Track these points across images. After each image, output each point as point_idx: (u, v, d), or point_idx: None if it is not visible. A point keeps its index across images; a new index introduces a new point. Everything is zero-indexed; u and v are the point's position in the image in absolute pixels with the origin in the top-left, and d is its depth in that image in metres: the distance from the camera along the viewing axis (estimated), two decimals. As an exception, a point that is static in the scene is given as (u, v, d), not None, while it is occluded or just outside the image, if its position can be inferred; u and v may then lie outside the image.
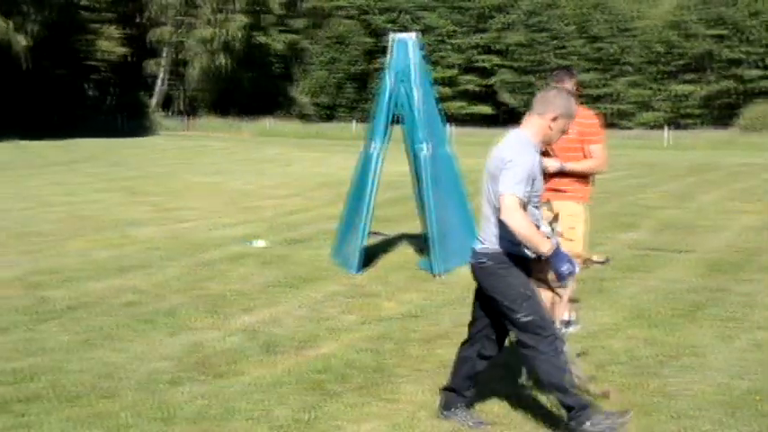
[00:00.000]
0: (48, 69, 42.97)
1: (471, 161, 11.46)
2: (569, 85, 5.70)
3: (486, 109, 60.26)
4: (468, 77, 60.44)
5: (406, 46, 8.09)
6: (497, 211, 3.94)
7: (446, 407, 4.32)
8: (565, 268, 3.92)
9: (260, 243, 9.65)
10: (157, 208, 13.25)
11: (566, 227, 5.57)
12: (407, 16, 61.05)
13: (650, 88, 55.83)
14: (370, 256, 8.55)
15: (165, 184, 17.61)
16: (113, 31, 48.48)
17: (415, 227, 10.09)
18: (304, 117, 57.31)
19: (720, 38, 55.41)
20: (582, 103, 5.41)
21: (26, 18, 41.40)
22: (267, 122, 51.17)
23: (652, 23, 58.07)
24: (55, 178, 18.87)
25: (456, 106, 57.64)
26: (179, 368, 5.14)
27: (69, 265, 8.38)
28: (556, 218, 4.66)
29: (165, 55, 55.85)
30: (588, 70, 56.68)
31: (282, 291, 7.31)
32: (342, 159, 23.01)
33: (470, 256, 4.19)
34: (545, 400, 4.37)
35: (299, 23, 63.04)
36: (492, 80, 60.47)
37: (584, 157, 5.65)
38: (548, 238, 4.03)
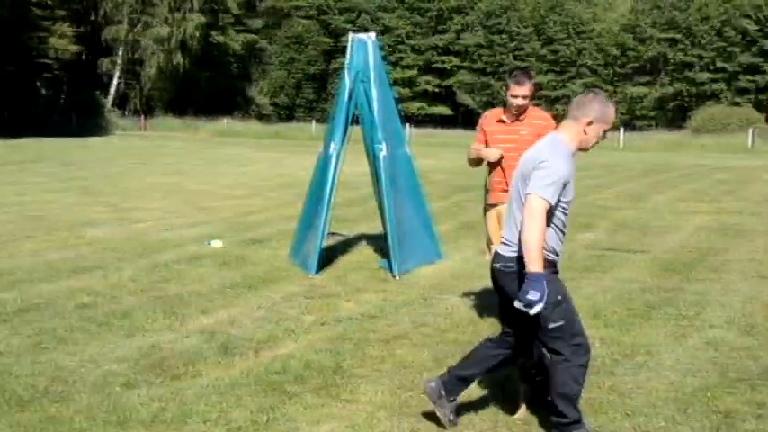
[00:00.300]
0: (-3, 66, 42.01)
1: (430, 162, 11.52)
2: (529, 86, 5.75)
3: (444, 110, 60.68)
4: (426, 78, 60.78)
5: (365, 46, 8.08)
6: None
7: (446, 392, 4.13)
8: (531, 297, 3.66)
9: (218, 243, 9.56)
10: (113, 208, 13.04)
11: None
12: (367, 17, 61.12)
13: (606, 90, 56.80)
14: (328, 257, 8.53)
15: (120, 184, 17.35)
16: (66, 28, 47.57)
17: (373, 227, 10.10)
18: (263, 117, 57.03)
19: (673, 41, 56.55)
20: (538, 105, 5.48)
21: (-26, 15, 40.42)
22: (225, 122, 50.76)
23: (607, 26, 59.02)
24: (6, 178, 18.45)
25: (415, 107, 57.93)
26: (134, 370, 5.06)
27: (21, 266, 8.20)
28: None
29: (120, 53, 55.05)
30: (546, 72, 57.40)
31: (240, 291, 7.25)
32: (301, 160, 22.92)
33: (494, 260, 4.09)
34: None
35: (257, 23, 62.69)
36: (450, 81, 60.87)
37: None
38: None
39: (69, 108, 49.33)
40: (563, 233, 3.97)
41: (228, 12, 59.27)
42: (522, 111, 5.79)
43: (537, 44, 58.72)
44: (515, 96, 5.72)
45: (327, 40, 62.01)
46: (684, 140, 40.36)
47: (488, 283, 6.66)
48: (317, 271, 7.94)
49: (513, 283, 3.92)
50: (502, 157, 5.77)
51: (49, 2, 45.83)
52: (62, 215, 12.10)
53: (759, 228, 11.25)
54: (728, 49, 55.55)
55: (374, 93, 7.98)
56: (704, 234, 10.70)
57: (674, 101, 57.05)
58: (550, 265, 3.91)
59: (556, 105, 55.72)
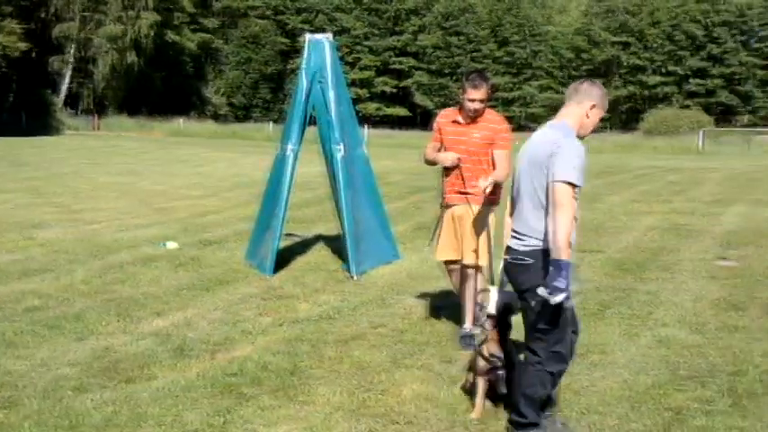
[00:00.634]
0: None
1: (387, 162, 11.51)
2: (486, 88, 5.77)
3: (401, 111, 60.82)
4: (383, 79, 60.90)
5: (321, 46, 8.05)
6: (541, 205, 3.75)
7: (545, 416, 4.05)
8: (558, 285, 3.58)
9: (172, 245, 9.43)
10: (64, 209, 12.79)
11: (472, 232, 5.68)
12: (323, 17, 61.02)
13: (560, 92, 57.61)
14: (285, 258, 8.48)
15: (72, 184, 17.02)
16: (14, 25, 46.50)
17: (330, 228, 10.07)
18: (218, 117, 56.58)
19: (626, 45, 57.57)
20: (494, 107, 5.50)
21: None
22: (180, 122, 50.19)
23: (562, 29, 59.84)
24: (-47, 178, 17.99)
25: (372, 108, 57.96)
26: (86, 374, 4.97)
27: (-32, 268, 8.00)
28: None
29: (71, 51, 54.03)
30: (502, 74, 57.94)
31: (196, 293, 7.17)
32: (257, 160, 22.77)
33: (505, 253, 4.04)
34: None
35: (212, 23, 62.18)
36: (407, 82, 61.07)
37: (490, 161, 5.72)
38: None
39: (18, 107, 48.25)
40: (576, 220, 3.86)
41: (183, 11, 58.69)
42: (478, 114, 5.82)
43: (493, 46, 59.27)
44: (472, 100, 5.73)
45: (284, 40, 61.78)
46: (637, 142, 41.11)
47: (445, 284, 6.71)
48: (274, 272, 7.89)
49: (523, 273, 3.89)
50: (459, 161, 5.78)
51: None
52: (11, 216, 11.82)
53: (709, 228, 11.50)
54: (678, 53, 56.80)
55: (331, 93, 7.96)
56: (657, 234, 10.89)
57: (627, 103, 58.09)
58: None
59: (512, 107, 56.30)
